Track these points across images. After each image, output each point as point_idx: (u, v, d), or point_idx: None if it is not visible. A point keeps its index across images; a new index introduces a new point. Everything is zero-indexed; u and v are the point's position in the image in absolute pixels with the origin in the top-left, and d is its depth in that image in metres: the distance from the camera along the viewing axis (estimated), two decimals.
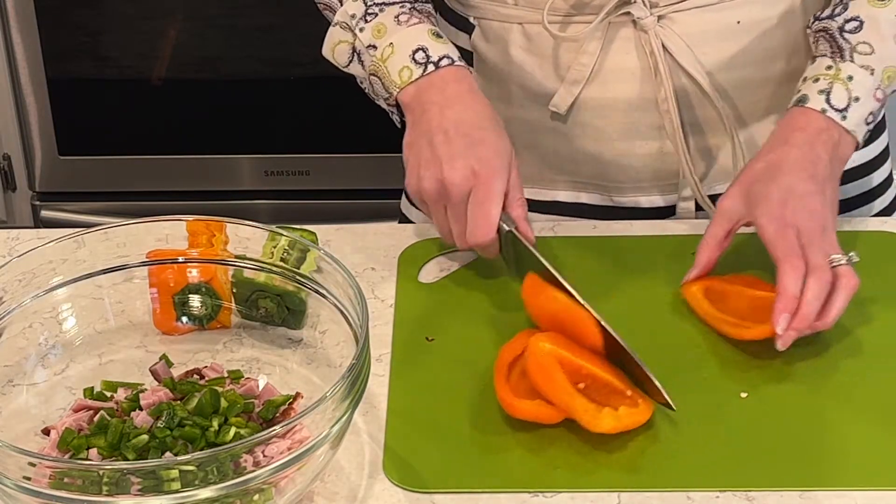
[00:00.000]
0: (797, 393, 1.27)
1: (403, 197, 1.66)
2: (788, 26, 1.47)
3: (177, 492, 1.04)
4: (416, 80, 1.40)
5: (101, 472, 1.04)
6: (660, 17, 1.44)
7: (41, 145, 2.67)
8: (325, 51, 1.48)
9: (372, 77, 1.44)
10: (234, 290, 1.30)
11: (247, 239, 1.28)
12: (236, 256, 1.28)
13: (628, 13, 1.43)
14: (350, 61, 1.46)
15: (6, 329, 1.24)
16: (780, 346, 1.27)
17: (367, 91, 1.48)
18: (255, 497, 1.09)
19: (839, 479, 1.18)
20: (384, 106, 1.47)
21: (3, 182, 2.70)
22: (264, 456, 1.07)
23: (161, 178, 2.68)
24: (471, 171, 1.34)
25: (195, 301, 1.31)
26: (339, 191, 2.67)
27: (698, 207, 1.51)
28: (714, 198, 1.49)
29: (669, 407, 1.23)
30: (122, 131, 2.67)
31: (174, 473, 1.04)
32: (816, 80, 1.39)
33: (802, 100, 1.38)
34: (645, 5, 1.43)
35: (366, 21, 1.43)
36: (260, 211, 2.66)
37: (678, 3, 1.44)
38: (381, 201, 2.57)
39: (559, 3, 1.44)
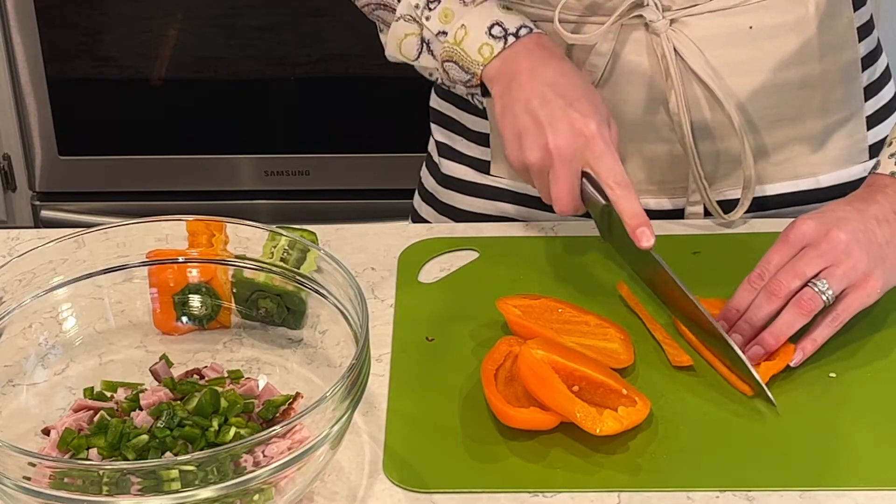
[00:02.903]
0: (797, 392, 1.27)
1: (416, 195, 1.66)
2: (801, 33, 1.46)
3: (177, 492, 1.04)
4: (499, 53, 1.39)
5: (101, 472, 1.04)
6: (672, 21, 1.43)
7: (41, 145, 2.67)
8: (391, 50, 1.46)
9: (447, 63, 1.42)
10: (234, 290, 1.30)
11: (247, 239, 1.28)
12: (236, 256, 1.28)
13: (641, 16, 1.43)
14: (419, 53, 1.44)
15: (6, 329, 1.24)
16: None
17: (439, 81, 1.47)
18: (255, 497, 1.09)
19: (839, 479, 1.18)
20: (462, 91, 1.45)
21: (3, 182, 2.70)
22: (264, 456, 1.07)
23: (161, 178, 2.68)
24: (575, 132, 1.33)
25: (195, 301, 1.31)
26: (339, 191, 2.67)
27: (707, 213, 1.50)
28: (723, 203, 1.49)
29: (770, 401, 1.25)
30: (122, 131, 2.67)
31: (174, 473, 1.04)
32: (890, 143, 1.37)
33: (875, 166, 1.37)
34: (657, 8, 1.42)
35: (430, 9, 1.42)
36: (260, 211, 2.66)
37: (690, 6, 1.43)
38: (382, 201, 2.58)
39: (572, 3, 1.43)
